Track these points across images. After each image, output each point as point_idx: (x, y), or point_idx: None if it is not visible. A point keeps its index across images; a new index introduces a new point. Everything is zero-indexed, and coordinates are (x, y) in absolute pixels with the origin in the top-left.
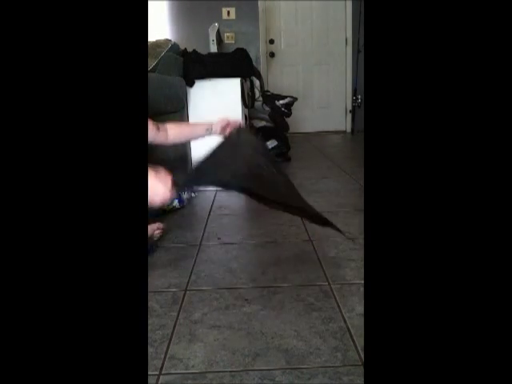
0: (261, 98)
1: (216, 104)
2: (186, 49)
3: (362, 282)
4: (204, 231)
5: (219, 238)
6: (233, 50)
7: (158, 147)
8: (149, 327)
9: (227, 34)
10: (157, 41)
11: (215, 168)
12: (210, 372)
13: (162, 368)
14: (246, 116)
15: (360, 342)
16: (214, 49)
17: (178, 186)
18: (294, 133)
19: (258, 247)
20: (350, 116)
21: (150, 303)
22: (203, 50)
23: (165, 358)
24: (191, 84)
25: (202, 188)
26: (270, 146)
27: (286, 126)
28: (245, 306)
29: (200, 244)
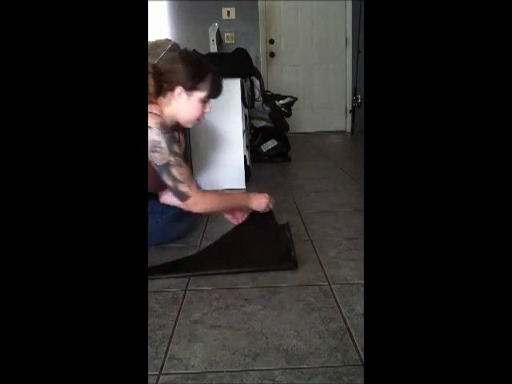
0: (261, 98)
1: (216, 104)
2: (186, 49)
3: (362, 282)
4: (204, 231)
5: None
6: (233, 50)
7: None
8: (149, 327)
9: (227, 34)
10: (157, 41)
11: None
12: (210, 372)
13: (162, 368)
14: (246, 116)
15: (360, 342)
16: (214, 49)
17: None
18: (293, 133)
19: None
20: (349, 116)
21: (150, 303)
22: (203, 50)
23: (165, 358)
24: None
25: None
26: (269, 146)
27: (286, 126)
28: (245, 305)
29: (200, 244)
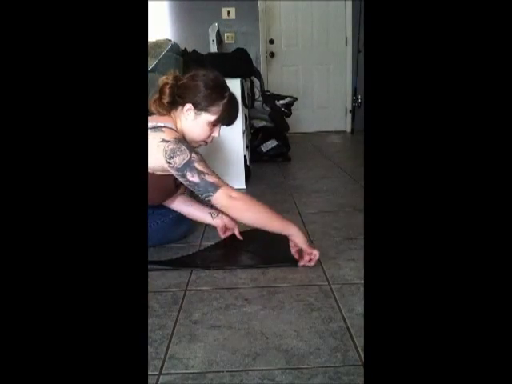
0: (261, 98)
1: None
2: (185, 49)
3: (362, 282)
4: (204, 231)
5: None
6: (233, 50)
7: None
8: (149, 327)
9: (227, 34)
10: (157, 41)
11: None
12: (210, 372)
13: (162, 368)
14: (246, 116)
15: (360, 341)
16: (214, 49)
17: None
18: (293, 133)
19: None
20: (349, 116)
21: (150, 303)
22: (203, 50)
23: (165, 358)
24: None
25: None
26: (270, 146)
27: (286, 126)
28: (245, 305)
29: (200, 244)
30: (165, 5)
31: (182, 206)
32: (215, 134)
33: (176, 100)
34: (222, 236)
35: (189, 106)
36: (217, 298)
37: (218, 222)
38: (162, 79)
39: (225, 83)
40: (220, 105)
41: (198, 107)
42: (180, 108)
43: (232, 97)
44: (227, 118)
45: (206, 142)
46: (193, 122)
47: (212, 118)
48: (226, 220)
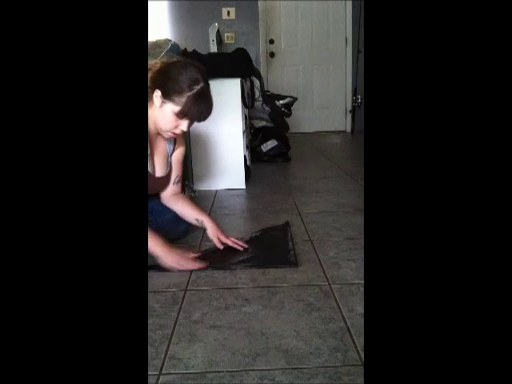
0: (261, 98)
1: (216, 104)
2: (185, 49)
3: (362, 282)
4: (204, 231)
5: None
6: (233, 50)
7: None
8: (149, 327)
9: (227, 34)
10: (157, 41)
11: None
12: (210, 372)
13: (161, 368)
14: (246, 116)
15: (360, 341)
16: (214, 49)
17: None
18: (293, 133)
19: None
20: (349, 116)
21: (149, 303)
22: (203, 50)
23: (165, 358)
24: None
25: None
26: (270, 146)
27: (286, 126)
28: (245, 305)
29: (200, 244)
30: (165, 5)
31: (176, 205)
32: (183, 127)
33: (152, 85)
34: (219, 246)
35: (157, 92)
36: (217, 298)
37: (209, 233)
38: (150, 63)
39: (201, 76)
40: (185, 96)
41: (165, 95)
42: (151, 93)
43: (202, 91)
44: (196, 113)
45: (174, 134)
46: (159, 109)
47: (176, 108)
48: (215, 231)
